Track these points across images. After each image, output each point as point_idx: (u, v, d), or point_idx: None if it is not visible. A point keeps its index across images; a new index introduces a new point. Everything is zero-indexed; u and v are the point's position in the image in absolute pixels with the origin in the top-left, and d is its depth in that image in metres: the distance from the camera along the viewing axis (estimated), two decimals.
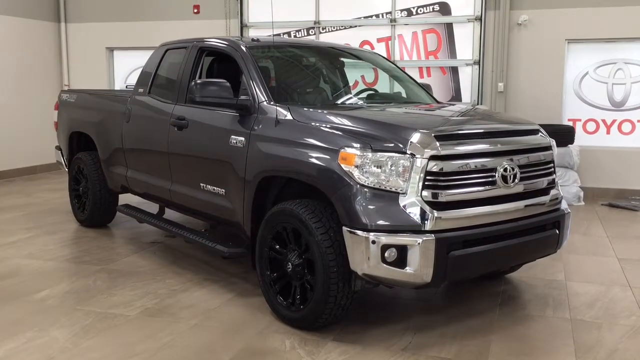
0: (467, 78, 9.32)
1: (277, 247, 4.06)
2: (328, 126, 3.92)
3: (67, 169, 7.11)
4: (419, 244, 3.45)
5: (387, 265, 3.49)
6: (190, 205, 5.10)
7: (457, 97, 9.37)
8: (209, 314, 4.21)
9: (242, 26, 10.18)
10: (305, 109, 4.28)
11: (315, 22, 9.85)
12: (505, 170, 3.80)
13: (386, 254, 3.47)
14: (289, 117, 4.17)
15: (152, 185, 5.55)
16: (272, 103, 4.34)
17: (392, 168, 3.55)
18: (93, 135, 6.43)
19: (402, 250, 3.48)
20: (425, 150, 3.56)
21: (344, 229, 3.59)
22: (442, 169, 3.59)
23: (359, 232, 3.51)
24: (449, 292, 4.76)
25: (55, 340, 3.74)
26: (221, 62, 5.19)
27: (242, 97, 4.49)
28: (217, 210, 4.71)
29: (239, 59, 4.73)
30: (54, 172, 10.66)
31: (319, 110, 4.26)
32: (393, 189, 3.55)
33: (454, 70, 9.41)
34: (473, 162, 3.72)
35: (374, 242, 3.47)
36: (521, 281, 4.95)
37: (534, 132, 4.27)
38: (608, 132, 8.93)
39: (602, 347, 3.72)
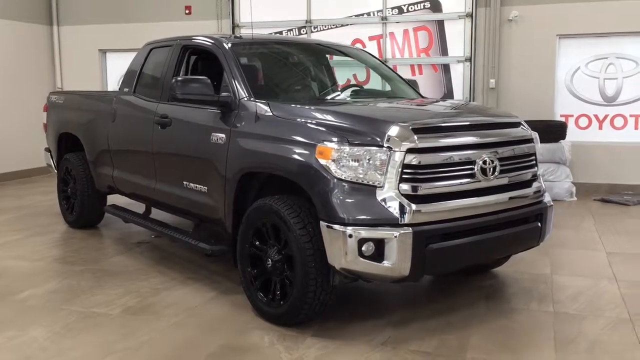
0: (458, 75, 9.30)
1: (258, 243, 4.04)
2: (306, 121, 3.90)
3: (56, 171, 7.10)
4: (395, 237, 3.43)
5: (364, 259, 3.47)
6: (174, 203, 5.09)
7: (449, 94, 9.34)
8: (191, 312, 4.20)
9: (234, 26, 10.17)
10: (285, 104, 4.27)
11: (306, 21, 9.84)
12: (484, 162, 3.78)
13: (363, 248, 3.46)
14: (269, 112, 4.15)
15: (138, 184, 5.54)
16: (252, 99, 4.33)
17: (369, 162, 3.54)
18: (80, 136, 6.42)
19: (379, 244, 3.46)
20: (403, 143, 3.54)
21: (322, 223, 3.57)
22: (420, 162, 3.57)
23: (336, 227, 3.50)
24: (434, 286, 4.74)
25: (34, 340, 3.73)
26: (205, 60, 5.18)
27: (224, 93, 4.48)
28: (200, 208, 4.70)
29: (221, 56, 4.72)
30: (48, 175, 10.62)
31: (299, 106, 4.25)
32: (370, 183, 3.54)
33: (446, 68, 9.38)
34: (451, 155, 3.71)
35: (351, 236, 3.45)
36: (507, 275, 4.93)
37: (515, 124, 4.24)
38: (600, 127, 8.90)
39: (583, 339, 3.69)
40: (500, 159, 3.89)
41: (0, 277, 5.01)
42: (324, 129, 3.75)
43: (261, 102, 4.25)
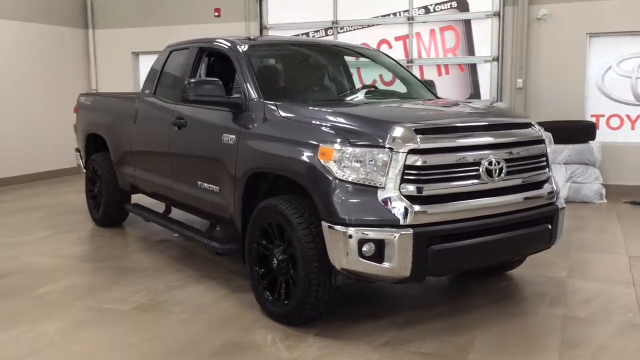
0: (486, 75, 9.18)
1: (264, 243, 4.08)
2: (311, 122, 3.93)
3: (85, 170, 7.30)
4: (395, 238, 3.43)
5: (364, 259, 3.48)
6: (190, 203, 5.18)
7: (475, 94, 9.23)
8: (201, 310, 4.26)
9: (262, 28, 10.27)
10: (292, 105, 4.30)
11: (333, 22, 9.86)
12: (490, 164, 3.73)
13: (364, 249, 3.46)
14: (277, 113, 4.19)
15: (157, 184, 5.65)
16: (262, 100, 4.37)
17: (371, 162, 3.54)
18: (105, 136, 6.58)
19: (380, 244, 3.46)
20: (405, 144, 3.53)
21: (323, 223, 3.59)
22: (422, 162, 3.55)
23: (337, 227, 3.51)
24: (445, 288, 4.71)
25: (45, 334, 3.85)
26: (221, 62, 5.25)
27: (235, 95, 4.54)
28: (213, 207, 4.77)
29: (233, 58, 4.78)
30: (82, 174, 10.89)
31: (305, 107, 4.27)
32: (372, 184, 3.54)
33: (473, 68, 9.27)
34: (455, 156, 3.67)
35: (351, 236, 3.46)
36: (522, 278, 4.85)
37: (525, 125, 4.17)
38: (633, 128, 8.65)
39: (589, 344, 3.62)
40: (507, 160, 3.84)
41: (21, 272, 5.18)
42: (326, 130, 3.77)
43: (270, 103, 4.30)
